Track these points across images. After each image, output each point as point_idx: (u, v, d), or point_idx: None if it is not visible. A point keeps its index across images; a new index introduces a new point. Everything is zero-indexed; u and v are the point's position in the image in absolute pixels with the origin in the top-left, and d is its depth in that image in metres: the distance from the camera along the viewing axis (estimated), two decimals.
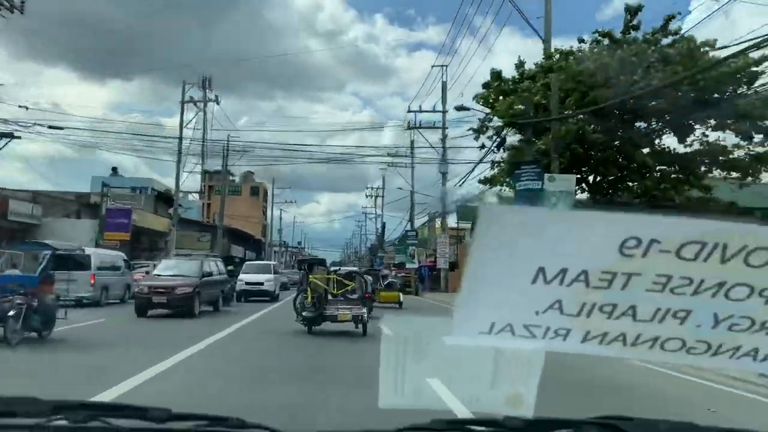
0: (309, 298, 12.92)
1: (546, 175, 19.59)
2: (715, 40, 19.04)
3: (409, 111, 40.48)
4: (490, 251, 0.93)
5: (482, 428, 1.30)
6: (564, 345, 1.04)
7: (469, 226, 40.15)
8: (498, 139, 24.26)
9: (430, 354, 1.28)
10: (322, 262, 14.87)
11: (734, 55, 15.15)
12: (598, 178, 22.70)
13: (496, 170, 25.14)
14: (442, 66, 40.19)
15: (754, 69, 17.61)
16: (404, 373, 1.29)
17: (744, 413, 6.63)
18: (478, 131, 24.61)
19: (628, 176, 22.25)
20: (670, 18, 20.41)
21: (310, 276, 13.22)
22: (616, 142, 21.21)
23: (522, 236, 0.91)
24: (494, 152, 25.03)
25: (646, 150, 21.39)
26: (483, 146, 25.32)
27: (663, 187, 21.58)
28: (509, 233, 0.91)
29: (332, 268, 14.94)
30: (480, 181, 26.59)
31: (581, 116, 20.63)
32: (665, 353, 1.03)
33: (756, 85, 18.26)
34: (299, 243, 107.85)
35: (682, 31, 19.96)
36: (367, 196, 78.80)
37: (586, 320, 1.00)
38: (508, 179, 24.01)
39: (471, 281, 0.98)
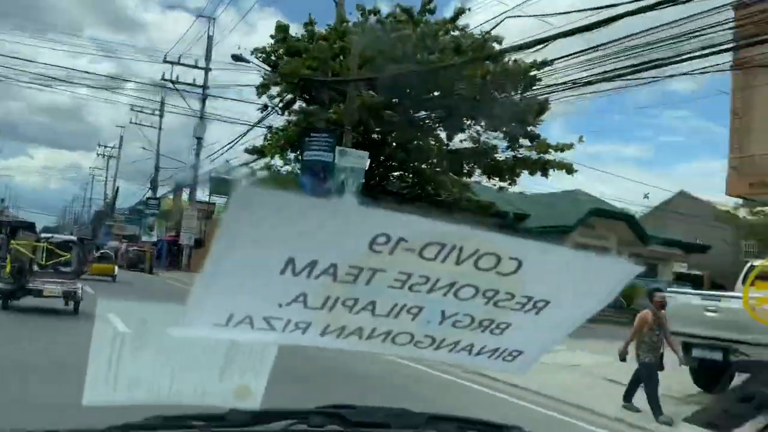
0: (7, 268, 12.26)
1: (338, 148, 19.77)
2: (503, 38, 21.19)
3: (165, 61, 38.17)
4: (239, 236, 0.96)
5: (203, 423, 1.34)
6: (303, 338, 1.13)
7: (222, 201, 39.51)
8: (282, 103, 23.94)
9: (152, 344, 1.28)
10: (30, 227, 13.95)
11: (504, 51, 17.01)
12: (374, 164, 23.72)
13: (268, 140, 24.62)
14: (210, 18, 39.06)
15: (533, 73, 19.83)
16: (119, 365, 1.27)
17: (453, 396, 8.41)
18: (265, 87, 24.07)
19: (409, 163, 23.64)
20: (460, 12, 22.33)
21: (12, 242, 12.59)
22: (403, 127, 22.40)
23: (276, 223, 0.95)
24: (278, 114, 24.68)
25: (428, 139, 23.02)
26: (266, 107, 24.86)
27: (440, 179, 23.35)
28: (263, 218, 0.94)
29: (43, 235, 14.19)
30: (247, 151, 26.04)
31: (376, 92, 21.26)
32: (395, 346, 1.18)
33: (533, 89, 20.60)
34: (2, 200, 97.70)
35: (470, 29, 21.90)
36: (98, 155, 73.49)
37: (328, 314, 1.10)
38: (281, 151, 23.85)
39: (213, 268, 0.99)
